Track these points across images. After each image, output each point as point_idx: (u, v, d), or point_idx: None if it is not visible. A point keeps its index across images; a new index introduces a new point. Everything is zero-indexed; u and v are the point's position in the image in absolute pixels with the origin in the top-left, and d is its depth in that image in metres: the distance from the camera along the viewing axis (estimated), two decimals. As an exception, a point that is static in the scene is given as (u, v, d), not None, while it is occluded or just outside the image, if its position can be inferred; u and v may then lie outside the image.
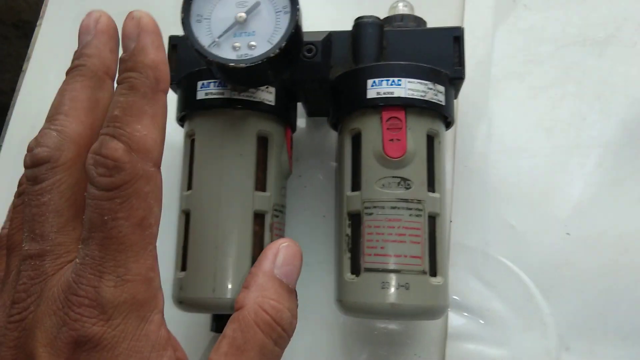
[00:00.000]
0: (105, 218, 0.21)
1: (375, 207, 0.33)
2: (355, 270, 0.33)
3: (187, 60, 0.37)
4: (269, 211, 0.35)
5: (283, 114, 0.36)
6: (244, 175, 0.34)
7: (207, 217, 0.34)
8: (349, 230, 0.34)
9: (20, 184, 0.26)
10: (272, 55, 0.29)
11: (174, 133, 0.41)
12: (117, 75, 0.25)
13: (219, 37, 0.30)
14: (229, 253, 0.33)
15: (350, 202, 0.34)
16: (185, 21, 0.30)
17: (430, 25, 0.38)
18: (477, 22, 0.45)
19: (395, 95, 0.33)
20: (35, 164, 0.23)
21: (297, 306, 0.27)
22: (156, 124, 0.23)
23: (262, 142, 0.36)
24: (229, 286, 0.32)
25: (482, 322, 0.39)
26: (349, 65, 0.36)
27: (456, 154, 0.42)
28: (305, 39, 0.34)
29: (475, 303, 0.39)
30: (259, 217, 0.35)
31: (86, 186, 0.22)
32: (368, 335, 0.39)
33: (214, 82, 0.34)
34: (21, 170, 0.46)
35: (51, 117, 0.24)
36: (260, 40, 0.30)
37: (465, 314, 0.39)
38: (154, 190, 0.23)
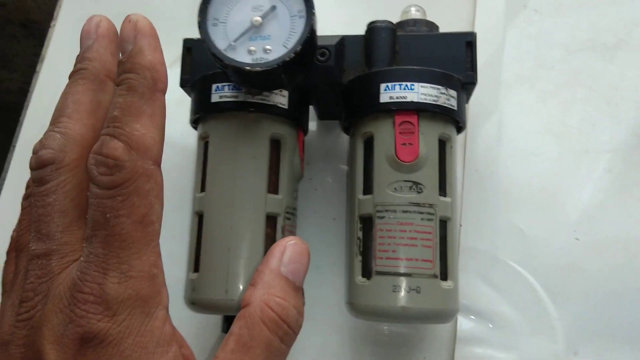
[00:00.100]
0: (108, 216, 0.22)
1: (387, 210, 0.33)
2: (367, 273, 0.34)
3: (201, 63, 0.37)
4: (281, 213, 0.35)
5: (296, 117, 0.37)
6: (257, 178, 0.34)
7: (220, 219, 0.34)
8: (360, 234, 0.35)
9: (27, 187, 0.27)
10: (287, 59, 0.30)
11: (187, 136, 0.41)
12: None
13: (235, 40, 0.31)
14: (242, 255, 0.33)
15: (362, 205, 0.35)
16: (202, 25, 0.31)
17: (441, 29, 0.38)
18: (487, 26, 0.45)
19: (408, 99, 0.33)
20: (40, 165, 0.23)
21: (303, 304, 0.27)
22: (155, 123, 0.23)
23: (275, 145, 0.36)
24: (241, 288, 0.33)
25: (490, 326, 0.39)
26: (361, 69, 0.36)
27: (466, 158, 0.42)
28: (319, 42, 0.34)
29: (484, 307, 0.39)
30: (271, 220, 0.35)
31: (89, 186, 0.23)
32: (377, 338, 0.40)
33: (228, 85, 0.35)
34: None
35: (55, 120, 0.24)
36: (276, 44, 0.31)
37: (475, 317, 0.39)
38: (155, 187, 0.23)
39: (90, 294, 0.21)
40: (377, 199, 0.33)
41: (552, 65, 0.44)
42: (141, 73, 0.23)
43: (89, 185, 0.23)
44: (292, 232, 0.37)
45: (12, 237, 0.27)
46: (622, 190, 0.41)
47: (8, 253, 0.26)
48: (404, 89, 0.33)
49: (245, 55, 0.31)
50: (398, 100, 0.33)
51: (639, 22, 0.44)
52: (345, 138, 0.42)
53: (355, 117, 0.36)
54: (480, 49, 0.36)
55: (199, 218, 0.35)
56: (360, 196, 0.35)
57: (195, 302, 0.34)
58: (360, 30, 0.37)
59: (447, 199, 0.34)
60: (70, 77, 0.26)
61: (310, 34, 0.30)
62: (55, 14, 0.51)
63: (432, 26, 0.37)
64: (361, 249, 0.34)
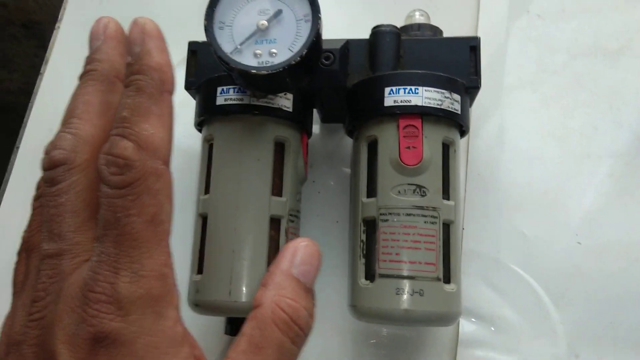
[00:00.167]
0: (119, 215, 0.22)
1: (390, 213, 0.33)
2: (370, 275, 0.34)
3: (206, 66, 0.37)
4: (284, 216, 0.35)
5: (300, 120, 0.37)
6: (261, 180, 0.35)
7: (224, 221, 0.34)
8: (363, 236, 0.35)
9: (38, 187, 0.27)
10: (293, 62, 0.30)
11: (191, 138, 0.41)
12: None
13: (241, 44, 0.31)
14: (245, 257, 0.33)
15: (366, 208, 0.35)
16: (208, 28, 0.31)
17: (445, 34, 0.38)
18: (490, 31, 0.45)
19: (412, 103, 0.33)
20: (52, 166, 0.23)
21: (314, 305, 0.27)
22: (163, 123, 0.24)
23: (279, 148, 0.36)
24: (245, 290, 0.33)
25: (492, 329, 0.39)
26: (365, 73, 0.36)
27: (469, 162, 0.42)
28: (323, 46, 0.34)
29: (486, 310, 0.39)
30: (275, 222, 0.35)
31: (99, 186, 0.23)
32: (380, 340, 0.40)
33: (233, 88, 0.35)
34: (38, 171, 0.47)
35: (66, 121, 0.24)
36: (281, 47, 0.31)
37: (477, 320, 0.39)
38: (164, 187, 0.23)
39: (102, 294, 0.21)
40: (381, 202, 0.34)
41: (555, 69, 0.44)
42: (149, 74, 0.24)
43: (99, 186, 0.23)
44: (296, 235, 0.37)
45: (23, 238, 0.27)
46: (624, 194, 0.41)
47: (19, 253, 0.27)
48: (408, 93, 0.33)
49: (251, 58, 0.31)
50: (402, 104, 0.33)
51: (641, 28, 0.44)
52: (347, 141, 0.42)
53: (360, 121, 0.36)
54: (483, 53, 0.36)
55: (203, 220, 0.35)
56: (364, 199, 0.35)
57: (199, 304, 0.34)
58: (364, 34, 0.37)
59: (451, 203, 0.34)
60: (80, 78, 0.26)
61: (316, 38, 0.30)
62: (59, 16, 0.51)
63: (436, 31, 0.38)
64: (364, 252, 0.35)
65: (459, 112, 0.34)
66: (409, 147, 0.33)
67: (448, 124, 0.35)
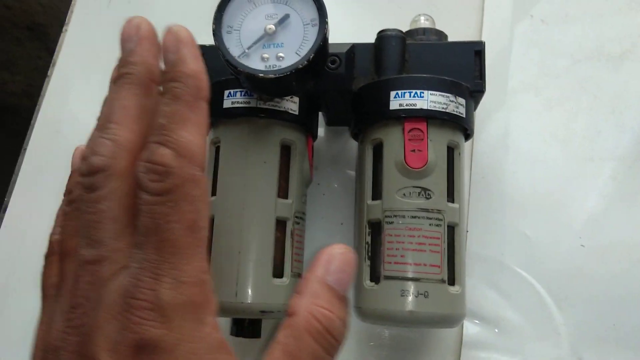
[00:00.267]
0: (159, 222, 0.22)
1: (395, 216, 0.33)
2: (375, 277, 0.34)
3: (213, 69, 0.37)
4: (290, 218, 0.36)
5: (306, 123, 0.37)
6: (267, 183, 0.35)
7: (231, 223, 0.34)
8: (368, 238, 0.35)
9: (69, 192, 0.27)
10: (300, 66, 0.30)
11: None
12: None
13: (249, 48, 0.31)
14: (251, 258, 0.34)
15: (371, 210, 0.35)
16: (217, 32, 0.31)
17: (450, 38, 0.38)
18: (494, 35, 0.46)
19: (417, 107, 0.34)
20: (92, 172, 0.23)
21: (348, 314, 0.27)
22: (200, 130, 0.24)
23: (285, 151, 0.36)
24: (250, 291, 0.33)
25: (496, 330, 0.39)
26: (371, 77, 0.37)
27: (473, 165, 0.43)
28: (329, 50, 0.35)
29: (490, 312, 0.40)
30: (280, 224, 0.35)
31: (136, 193, 0.23)
32: (384, 342, 0.40)
33: (240, 91, 0.35)
34: (44, 173, 0.47)
35: (103, 126, 0.24)
36: (289, 51, 0.31)
37: (480, 322, 0.39)
38: (202, 194, 0.23)
39: (144, 300, 0.21)
40: (386, 205, 0.34)
41: (558, 73, 0.45)
42: (185, 81, 0.24)
43: (136, 192, 0.23)
44: (301, 237, 0.37)
45: (51, 241, 0.27)
46: (627, 196, 0.41)
47: (47, 257, 0.26)
48: (414, 96, 0.34)
49: (259, 62, 0.31)
50: (408, 107, 0.34)
51: (644, 33, 0.45)
52: (352, 144, 0.42)
53: (365, 124, 0.37)
54: (487, 57, 0.36)
55: (210, 222, 0.35)
56: (369, 201, 0.35)
57: (206, 305, 0.34)
58: (370, 38, 0.38)
59: (455, 205, 0.34)
60: (114, 81, 0.25)
61: (322, 42, 0.30)
62: (67, 18, 0.52)
63: (441, 35, 0.38)
64: (369, 254, 0.35)
65: (464, 116, 0.35)
66: (414, 150, 0.34)
67: (453, 127, 0.35)
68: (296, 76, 0.31)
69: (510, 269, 0.40)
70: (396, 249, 0.33)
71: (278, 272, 0.35)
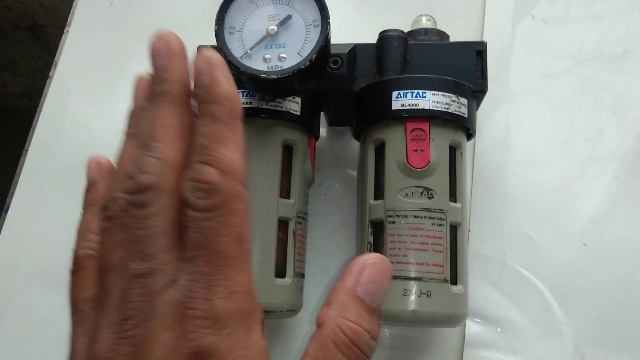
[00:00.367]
0: (209, 236, 0.23)
1: (398, 215, 0.33)
2: (377, 277, 0.34)
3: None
4: (292, 218, 0.36)
5: (307, 123, 0.37)
6: (269, 183, 0.35)
7: (233, 223, 0.34)
8: (371, 238, 0.35)
9: (106, 207, 0.27)
10: (302, 67, 0.30)
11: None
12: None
13: (251, 48, 0.31)
14: (253, 258, 0.34)
15: (373, 210, 0.35)
16: (219, 33, 0.31)
17: (451, 38, 0.39)
18: (496, 36, 0.46)
19: (419, 107, 0.34)
20: (141, 189, 0.24)
21: (379, 326, 0.27)
22: (238, 148, 0.25)
23: (287, 151, 0.36)
24: (254, 291, 0.33)
25: (499, 330, 0.39)
26: (373, 77, 0.37)
27: (475, 165, 0.43)
28: (331, 51, 0.35)
29: (493, 312, 0.40)
30: (282, 224, 0.35)
31: (182, 210, 0.24)
32: (386, 341, 0.40)
33: (242, 91, 0.35)
34: (46, 174, 0.47)
35: (147, 145, 0.25)
36: (291, 52, 0.31)
37: (483, 322, 0.39)
38: (246, 208, 0.24)
39: (199, 309, 0.22)
40: (389, 204, 0.34)
41: (560, 74, 0.45)
42: (221, 102, 0.25)
43: (182, 209, 0.24)
44: (303, 237, 0.37)
45: (78, 256, 0.27)
46: (629, 197, 0.41)
47: (75, 272, 0.27)
48: (416, 96, 0.34)
49: (261, 63, 0.31)
50: (410, 107, 0.34)
51: (645, 33, 0.45)
52: (354, 144, 0.42)
53: (367, 124, 0.37)
54: (488, 58, 0.36)
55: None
56: (372, 201, 0.36)
57: (208, 305, 0.34)
58: (372, 39, 0.38)
59: (458, 205, 0.34)
60: (151, 99, 0.26)
61: (324, 43, 0.31)
62: (68, 20, 0.52)
63: (443, 35, 0.38)
64: (372, 254, 0.35)
65: (466, 116, 0.35)
66: (416, 150, 0.34)
67: (455, 127, 0.35)
68: (298, 77, 0.31)
69: (512, 269, 0.40)
70: (399, 248, 0.33)
71: (280, 272, 0.35)
